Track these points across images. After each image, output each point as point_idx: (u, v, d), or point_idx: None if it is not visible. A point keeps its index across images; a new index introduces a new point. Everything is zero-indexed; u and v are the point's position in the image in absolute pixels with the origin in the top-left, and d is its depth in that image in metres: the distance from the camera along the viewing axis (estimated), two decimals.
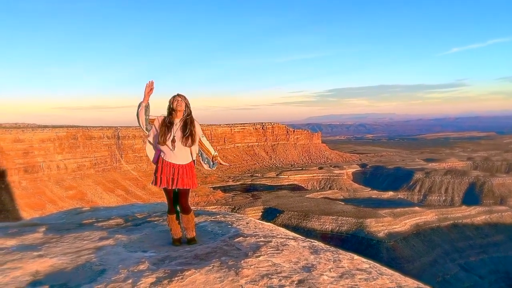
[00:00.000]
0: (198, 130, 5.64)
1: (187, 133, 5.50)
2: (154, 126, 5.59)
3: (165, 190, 5.66)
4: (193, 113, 5.71)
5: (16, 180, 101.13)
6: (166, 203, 5.96)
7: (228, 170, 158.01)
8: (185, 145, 5.49)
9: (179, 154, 5.50)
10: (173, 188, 5.56)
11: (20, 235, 6.44)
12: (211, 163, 5.93)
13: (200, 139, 5.73)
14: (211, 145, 5.97)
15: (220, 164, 6.00)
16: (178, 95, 5.58)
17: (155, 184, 5.54)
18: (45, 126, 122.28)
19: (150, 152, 5.74)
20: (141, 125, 5.63)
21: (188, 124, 5.54)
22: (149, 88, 5.53)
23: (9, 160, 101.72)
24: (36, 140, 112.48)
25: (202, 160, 5.92)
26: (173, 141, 5.45)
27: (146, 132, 5.67)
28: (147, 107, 5.58)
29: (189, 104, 5.65)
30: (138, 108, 5.57)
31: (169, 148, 5.48)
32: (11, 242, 5.94)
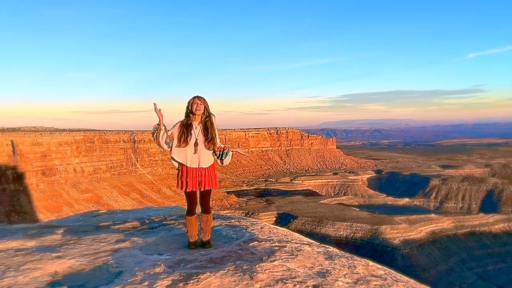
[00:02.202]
0: (217, 132, 5.68)
1: (209, 137, 5.55)
2: (173, 131, 5.60)
3: (189, 193, 5.65)
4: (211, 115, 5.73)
5: (34, 182, 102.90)
6: (182, 206, 6.02)
7: (242, 175, 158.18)
8: (208, 149, 5.54)
9: (202, 157, 5.54)
10: (200, 190, 5.61)
11: (39, 236, 6.56)
12: (221, 155, 5.70)
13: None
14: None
15: (238, 152, 5.86)
16: (197, 97, 5.57)
17: (181, 188, 5.55)
18: (63, 130, 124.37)
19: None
20: (163, 146, 5.58)
21: (209, 128, 5.59)
22: (160, 112, 5.44)
23: (28, 163, 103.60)
24: (54, 144, 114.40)
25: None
26: (196, 144, 5.48)
27: (169, 149, 5.62)
28: (165, 129, 5.53)
29: (208, 106, 5.65)
30: (156, 133, 5.49)
31: (191, 152, 5.50)
32: (30, 243, 6.06)
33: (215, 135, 5.61)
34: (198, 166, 5.55)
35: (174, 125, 5.64)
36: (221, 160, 5.72)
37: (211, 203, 5.90)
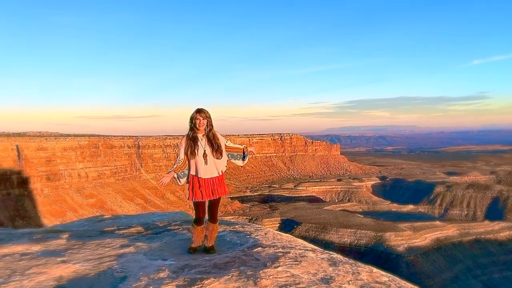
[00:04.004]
0: (221, 140, 5.83)
1: (215, 147, 5.71)
2: (181, 147, 5.81)
3: (199, 202, 5.77)
4: (214, 125, 5.86)
5: (38, 187, 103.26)
6: (186, 212, 6.07)
7: (246, 181, 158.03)
8: (216, 158, 5.70)
9: (212, 167, 5.70)
10: (213, 198, 5.75)
11: (45, 241, 6.60)
12: (243, 156, 6.01)
13: (226, 146, 5.89)
14: (236, 144, 6.11)
15: (252, 153, 6.08)
16: (199, 112, 5.69)
17: (195, 198, 5.67)
18: (68, 135, 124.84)
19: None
20: (182, 182, 5.84)
21: (211, 139, 5.73)
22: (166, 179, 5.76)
23: (33, 167, 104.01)
24: (59, 149, 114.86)
25: (233, 159, 6.01)
26: (205, 155, 5.66)
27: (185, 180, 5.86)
28: (178, 175, 5.78)
29: (211, 118, 5.79)
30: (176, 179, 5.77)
31: (202, 163, 5.66)
32: (36, 248, 6.10)
33: (220, 145, 5.77)
34: (211, 176, 5.70)
35: (181, 142, 5.82)
36: (243, 160, 6.01)
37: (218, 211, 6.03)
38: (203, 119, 5.67)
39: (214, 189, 5.70)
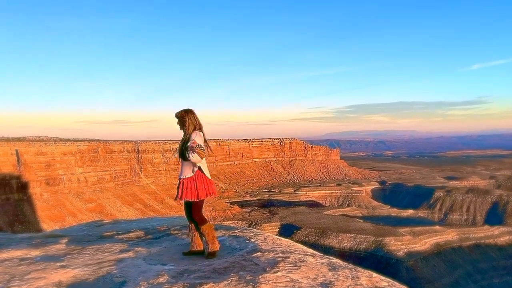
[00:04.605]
0: (192, 142, 5.47)
1: (182, 149, 5.60)
2: None
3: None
4: (203, 126, 5.75)
5: (37, 192, 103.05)
6: (185, 217, 6.12)
7: (245, 185, 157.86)
8: (184, 159, 5.59)
9: (182, 169, 5.69)
10: (179, 200, 5.69)
11: (44, 246, 6.59)
12: (189, 154, 5.44)
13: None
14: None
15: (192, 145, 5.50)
16: (176, 113, 5.68)
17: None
18: (67, 140, 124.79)
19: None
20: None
21: (184, 140, 5.64)
22: None
23: (32, 172, 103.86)
24: (58, 153, 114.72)
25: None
26: (177, 157, 5.76)
27: None
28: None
29: (189, 118, 5.61)
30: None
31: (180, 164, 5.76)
32: (35, 253, 6.09)
33: (188, 146, 5.46)
34: (183, 177, 5.65)
35: None
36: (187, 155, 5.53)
37: (202, 214, 5.78)
38: (181, 119, 5.64)
39: (183, 191, 5.58)
